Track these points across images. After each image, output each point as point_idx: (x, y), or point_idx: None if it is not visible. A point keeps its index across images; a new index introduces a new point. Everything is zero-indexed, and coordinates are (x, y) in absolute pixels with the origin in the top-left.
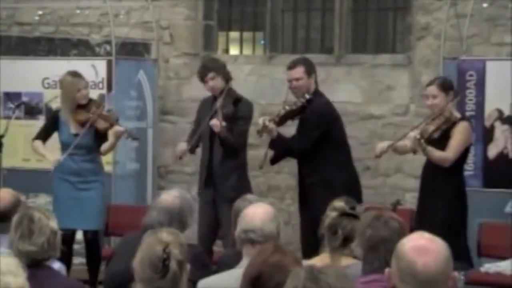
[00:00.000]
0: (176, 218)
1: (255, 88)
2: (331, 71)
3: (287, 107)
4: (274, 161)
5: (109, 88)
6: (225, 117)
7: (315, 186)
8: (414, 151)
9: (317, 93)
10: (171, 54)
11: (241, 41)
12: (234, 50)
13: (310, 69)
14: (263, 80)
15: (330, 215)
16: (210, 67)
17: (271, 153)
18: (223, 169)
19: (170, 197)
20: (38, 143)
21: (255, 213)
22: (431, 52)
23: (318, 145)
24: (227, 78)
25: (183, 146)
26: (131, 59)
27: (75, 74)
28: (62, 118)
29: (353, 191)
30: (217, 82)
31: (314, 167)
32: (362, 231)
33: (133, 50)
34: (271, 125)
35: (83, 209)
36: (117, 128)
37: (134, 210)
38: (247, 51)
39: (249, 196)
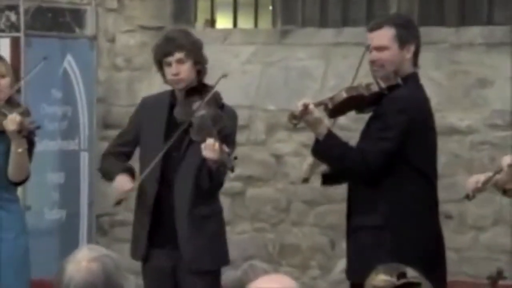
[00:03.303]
0: None
1: (259, 83)
2: None
3: (352, 92)
4: (328, 179)
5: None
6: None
7: (364, 234)
8: (505, 190)
9: (412, 78)
10: (120, 28)
11: (235, 8)
12: (223, 22)
13: (405, 36)
14: (272, 71)
15: None
16: (180, 43)
17: (322, 166)
18: (193, 219)
19: (82, 265)
20: None
21: None
22: None
23: (391, 164)
24: (201, 68)
25: (125, 181)
26: (52, 36)
27: None
28: None
29: (432, 260)
30: (187, 69)
31: (370, 200)
32: None
33: (55, 21)
34: (318, 113)
35: None
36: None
37: None
38: (245, 23)
39: (257, 264)
